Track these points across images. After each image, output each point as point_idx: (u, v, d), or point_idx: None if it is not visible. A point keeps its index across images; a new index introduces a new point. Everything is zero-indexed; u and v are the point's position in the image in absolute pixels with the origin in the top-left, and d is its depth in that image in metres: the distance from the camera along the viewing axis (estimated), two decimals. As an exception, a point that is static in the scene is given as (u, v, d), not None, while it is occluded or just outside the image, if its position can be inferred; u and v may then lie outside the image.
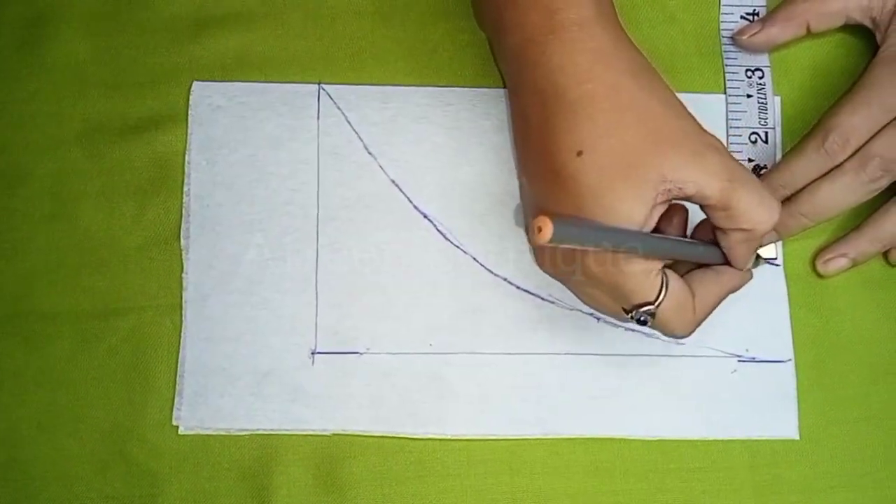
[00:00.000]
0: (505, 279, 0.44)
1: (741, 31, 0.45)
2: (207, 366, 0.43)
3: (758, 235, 0.38)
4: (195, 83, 0.45)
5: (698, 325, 0.40)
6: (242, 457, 0.43)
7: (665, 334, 0.41)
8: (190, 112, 0.45)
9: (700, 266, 0.41)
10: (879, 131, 0.41)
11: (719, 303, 0.41)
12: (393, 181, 0.45)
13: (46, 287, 0.43)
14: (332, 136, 0.45)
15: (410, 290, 0.44)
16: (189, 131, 0.45)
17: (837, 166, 0.42)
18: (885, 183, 0.42)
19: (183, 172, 0.44)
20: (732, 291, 0.42)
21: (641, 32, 0.46)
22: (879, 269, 0.45)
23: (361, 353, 0.43)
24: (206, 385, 0.43)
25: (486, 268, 0.44)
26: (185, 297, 0.43)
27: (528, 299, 0.44)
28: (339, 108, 0.45)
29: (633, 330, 0.44)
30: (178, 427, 0.43)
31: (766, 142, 0.46)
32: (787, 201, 0.43)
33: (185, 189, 0.44)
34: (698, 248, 0.40)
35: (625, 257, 0.37)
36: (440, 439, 0.43)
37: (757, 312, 0.44)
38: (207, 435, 0.43)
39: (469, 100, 0.45)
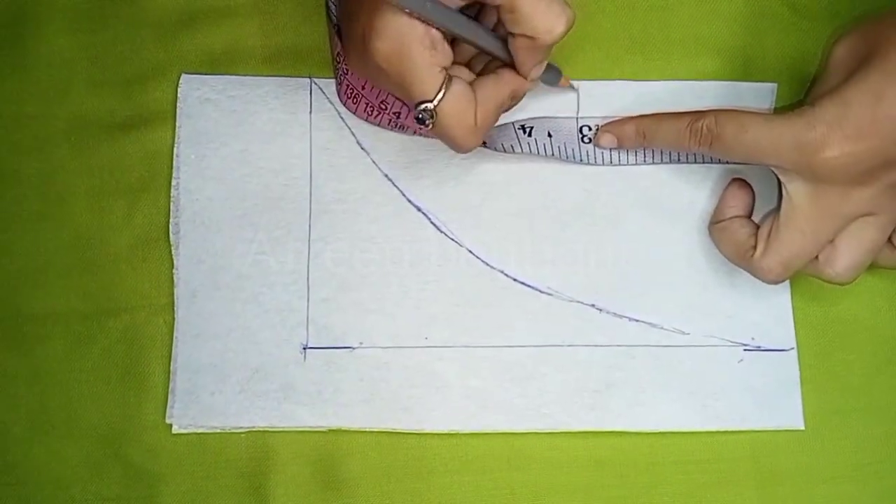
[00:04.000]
0: (501, 271, 0.43)
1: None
2: (199, 363, 0.42)
3: (541, 46, 0.37)
4: (184, 75, 0.44)
5: (480, 136, 0.39)
6: (239, 455, 0.42)
7: (448, 144, 0.39)
8: (178, 104, 0.44)
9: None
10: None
11: (501, 109, 0.39)
12: (386, 175, 0.44)
13: (37, 288, 0.43)
14: (324, 130, 0.44)
15: (404, 283, 0.43)
16: (177, 124, 0.44)
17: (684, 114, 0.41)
18: (703, 142, 0.40)
19: (172, 169, 0.44)
20: (515, 97, 0.40)
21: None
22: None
23: (354, 348, 0.43)
24: (197, 382, 0.42)
25: (481, 260, 0.44)
26: (177, 293, 0.43)
27: (525, 291, 0.43)
28: (330, 102, 0.44)
29: (635, 321, 0.43)
30: (172, 426, 0.42)
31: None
32: (641, 119, 0.42)
33: (174, 183, 0.44)
34: (486, 35, 0.38)
35: (410, 48, 0.36)
36: (438, 435, 0.42)
37: (761, 300, 0.44)
38: (203, 434, 0.42)
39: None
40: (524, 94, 0.40)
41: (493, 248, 0.44)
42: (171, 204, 0.43)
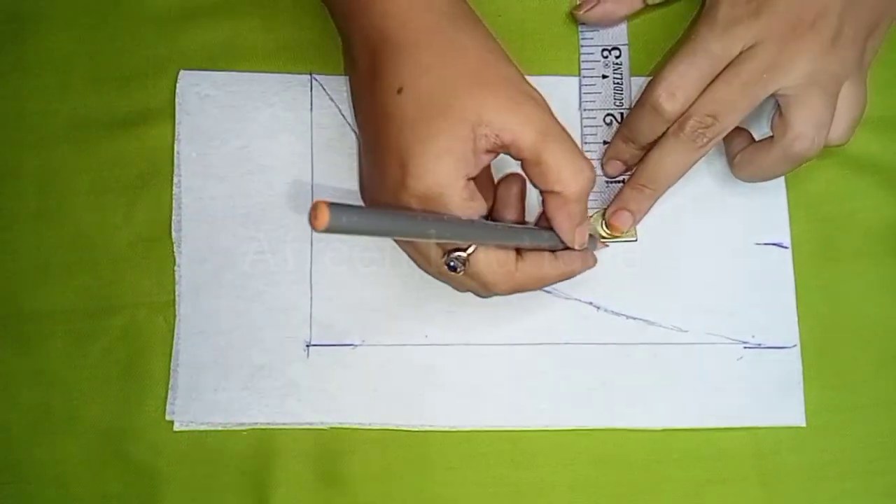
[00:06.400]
0: (500, 268, 0.44)
1: (578, 7, 0.45)
2: (201, 360, 0.42)
3: (571, 199, 0.37)
4: (182, 72, 0.44)
5: (520, 289, 0.39)
6: (241, 452, 0.42)
7: (481, 289, 0.39)
8: (177, 101, 0.44)
9: None
10: (706, 89, 0.40)
11: (552, 282, 0.40)
12: (386, 171, 0.44)
13: (37, 286, 0.43)
14: (325, 127, 0.44)
15: (405, 281, 0.43)
16: (177, 121, 0.44)
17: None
18: (706, 142, 0.40)
19: (173, 166, 0.44)
20: (569, 276, 0.40)
21: (491, 9, 0.45)
22: (889, 252, 0.44)
23: (356, 346, 0.43)
24: (199, 379, 0.42)
25: (481, 257, 0.44)
26: (178, 291, 0.43)
27: (524, 289, 0.44)
28: (331, 98, 0.44)
29: (634, 318, 0.43)
30: (173, 423, 0.42)
31: (621, 123, 0.44)
32: (630, 176, 0.43)
33: (176, 181, 0.44)
34: (519, 232, 0.39)
35: (449, 196, 0.35)
36: (441, 432, 0.42)
37: (763, 298, 0.44)
38: (205, 431, 0.42)
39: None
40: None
41: None
42: (174, 202, 0.43)
